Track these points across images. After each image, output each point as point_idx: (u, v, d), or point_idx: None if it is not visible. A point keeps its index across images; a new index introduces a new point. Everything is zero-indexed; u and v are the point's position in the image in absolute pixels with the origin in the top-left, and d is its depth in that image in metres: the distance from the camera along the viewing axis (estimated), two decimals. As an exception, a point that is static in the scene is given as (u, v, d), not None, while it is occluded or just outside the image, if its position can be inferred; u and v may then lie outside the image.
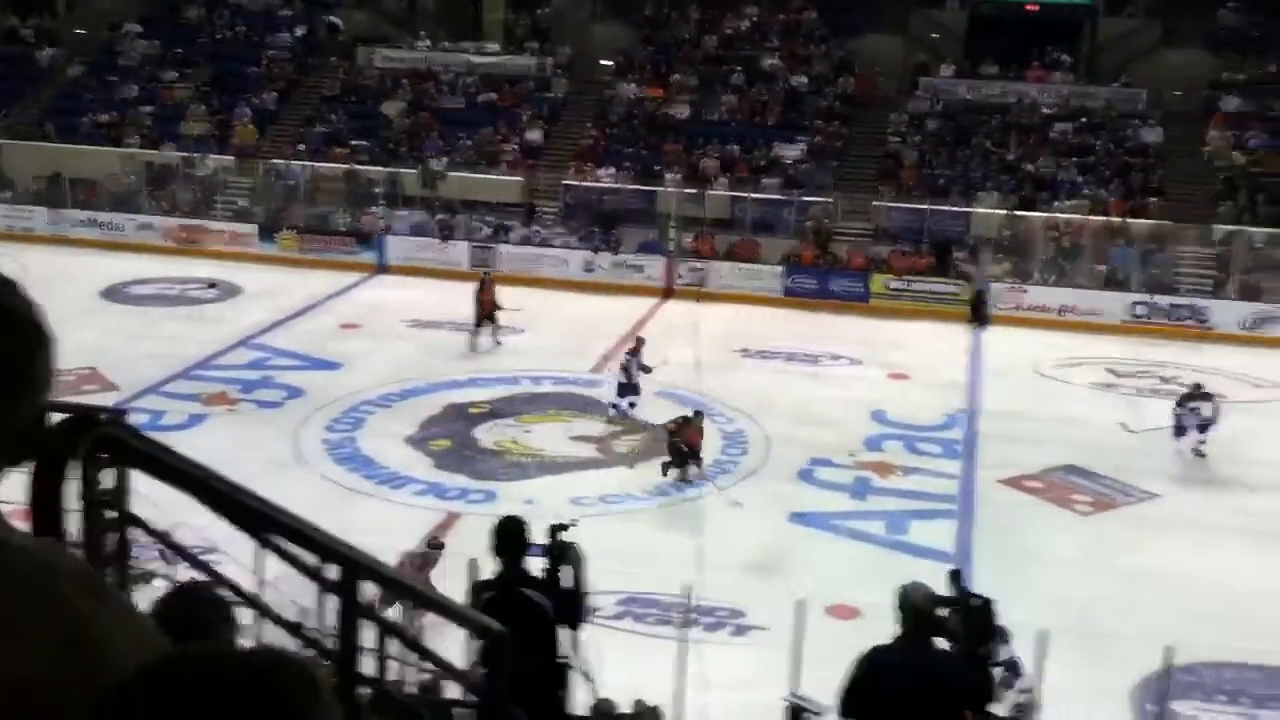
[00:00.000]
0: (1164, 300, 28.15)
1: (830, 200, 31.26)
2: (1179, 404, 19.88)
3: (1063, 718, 11.96)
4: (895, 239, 30.53)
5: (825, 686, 5.86)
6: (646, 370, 20.88)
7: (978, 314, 27.93)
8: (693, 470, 18.11)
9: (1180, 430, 19.74)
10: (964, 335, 26.96)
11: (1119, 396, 23.48)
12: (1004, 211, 30.23)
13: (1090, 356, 25.56)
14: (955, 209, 30.59)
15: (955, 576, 12.82)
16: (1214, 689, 13.24)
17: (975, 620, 5.53)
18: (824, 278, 29.45)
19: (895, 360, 24.57)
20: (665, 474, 18.12)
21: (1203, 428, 19.56)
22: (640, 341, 21.42)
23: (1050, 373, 24.50)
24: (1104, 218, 29.91)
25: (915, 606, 5.52)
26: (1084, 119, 32.79)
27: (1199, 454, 19.57)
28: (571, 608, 5.89)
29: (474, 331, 24.37)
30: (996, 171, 31.76)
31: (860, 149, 33.05)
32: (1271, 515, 17.84)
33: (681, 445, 18.06)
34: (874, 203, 31.12)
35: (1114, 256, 29.34)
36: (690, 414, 18.59)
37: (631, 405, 20.73)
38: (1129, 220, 29.82)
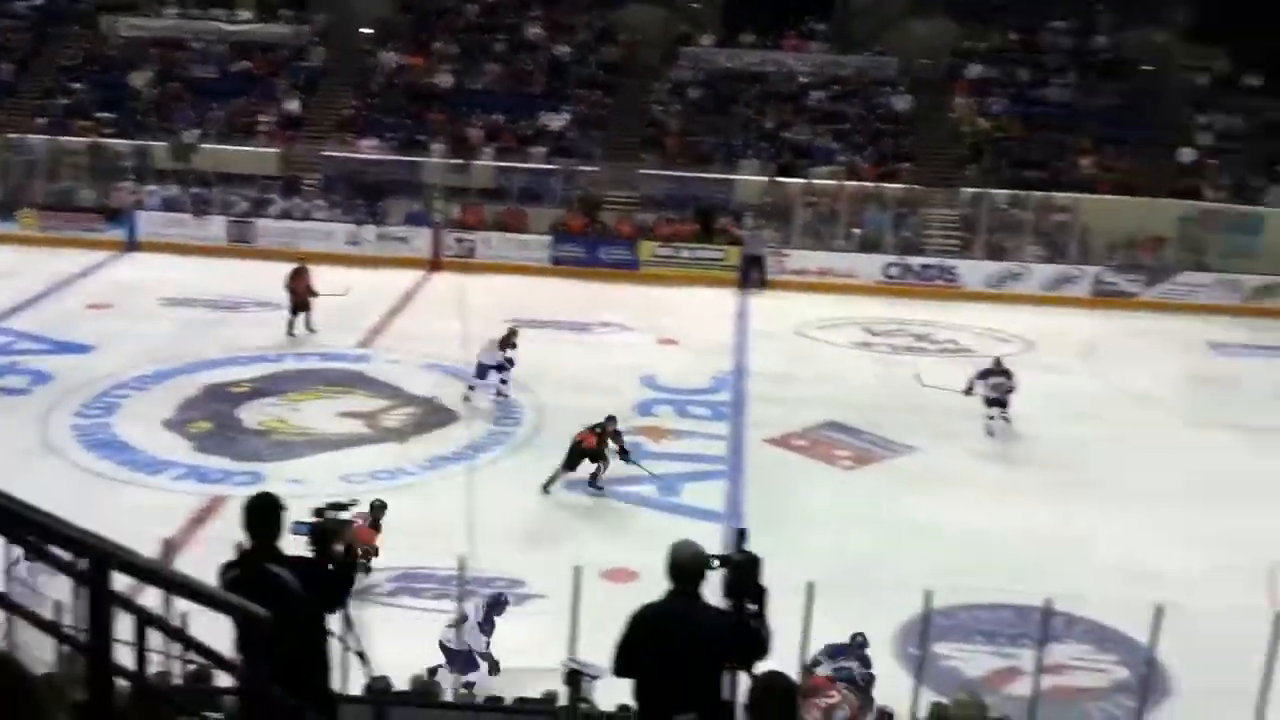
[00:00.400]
0: (916, 261, 29.35)
1: (597, 169, 31.41)
2: (979, 377, 20.00)
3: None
4: (661, 206, 30.90)
5: (604, 650, 5.91)
6: (510, 364, 20.33)
7: (748, 278, 28.62)
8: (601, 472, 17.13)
9: (990, 403, 19.75)
10: (730, 299, 27.56)
11: (876, 354, 24.41)
12: (764, 178, 30.93)
13: (848, 317, 26.48)
14: (718, 176, 31.13)
15: (740, 535, 13.13)
16: (971, 629, 13.94)
17: (742, 577, 5.65)
18: (593, 246, 29.62)
19: (664, 326, 24.93)
20: (568, 470, 17.12)
21: (1001, 402, 19.74)
22: (513, 333, 20.56)
23: (811, 334, 25.26)
24: (858, 183, 30.92)
25: (681, 564, 5.63)
26: (838, 87, 33.78)
27: (1006, 420, 19.82)
28: (335, 587, 5.78)
29: (290, 320, 23.38)
30: (756, 139, 32.45)
31: (625, 118, 33.29)
32: (1018, 462, 18.86)
33: (602, 450, 17.05)
34: (639, 171, 31.41)
35: (868, 220, 30.40)
36: (603, 420, 17.46)
37: (503, 382, 20.24)
38: (882, 185, 30.91)
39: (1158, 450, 19.44)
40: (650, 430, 19.51)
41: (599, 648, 7.64)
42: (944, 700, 12.33)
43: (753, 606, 5.65)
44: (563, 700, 10.09)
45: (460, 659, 12.24)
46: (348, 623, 7.17)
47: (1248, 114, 32.54)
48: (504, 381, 20.33)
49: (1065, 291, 28.85)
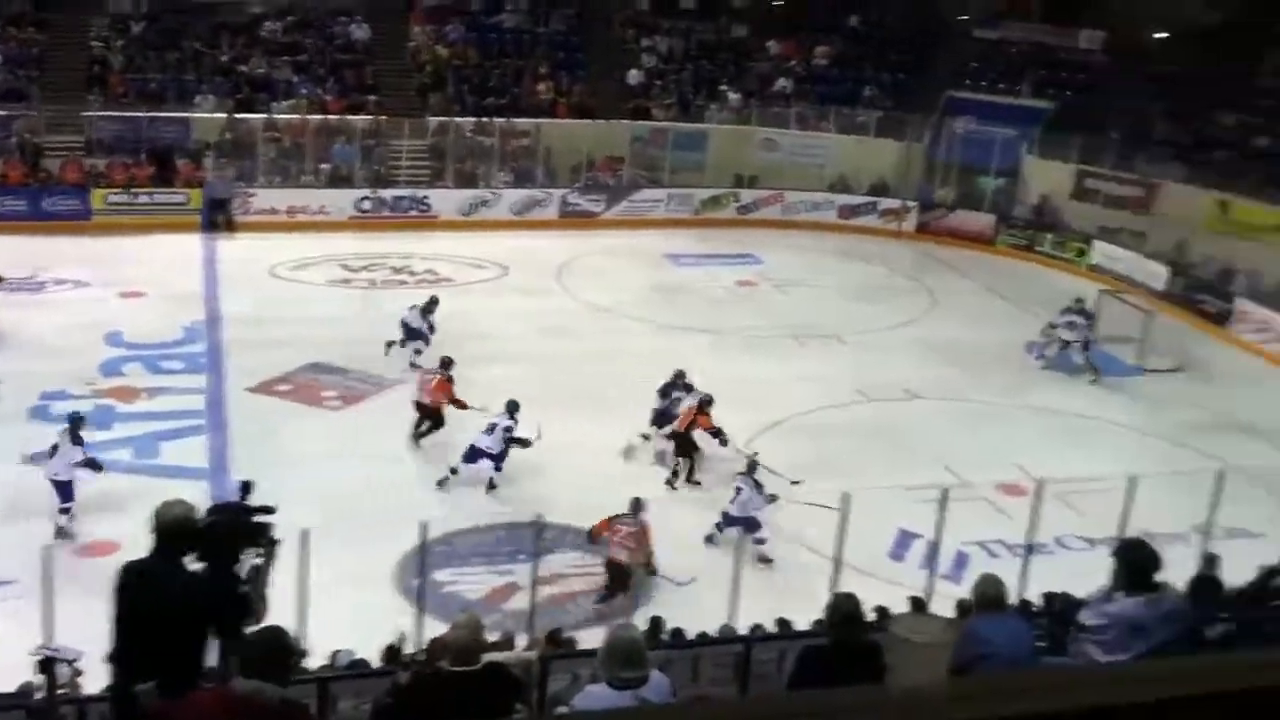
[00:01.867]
0: (388, 193, 29.20)
1: (33, 113, 28.82)
2: (661, 395, 17.80)
3: (335, 608, 12.26)
4: (112, 150, 28.84)
5: (86, 633, 5.51)
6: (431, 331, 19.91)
7: (213, 222, 27.37)
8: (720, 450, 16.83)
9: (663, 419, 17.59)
10: (197, 245, 26.30)
11: (356, 290, 24.20)
12: (223, 115, 29.61)
13: (323, 254, 26.00)
14: (173, 115, 29.45)
15: (244, 488, 12.60)
16: (469, 553, 14.23)
17: (224, 537, 5.45)
18: (36, 197, 27.21)
19: (127, 277, 23.42)
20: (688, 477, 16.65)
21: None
22: (434, 301, 20.35)
23: (286, 275, 24.62)
24: (322, 116, 30.27)
25: (162, 524, 5.41)
26: (292, 17, 32.79)
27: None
28: None
29: None
30: (210, 74, 30.95)
31: (61, 56, 30.68)
32: (501, 383, 19.24)
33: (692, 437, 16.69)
34: (83, 113, 29.14)
35: (336, 154, 29.86)
36: (705, 397, 16.97)
37: (418, 352, 19.68)
38: (347, 117, 30.42)
39: (632, 359, 20.53)
40: (120, 391, 18.34)
41: (81, 630, 7.14)
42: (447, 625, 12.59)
43: (254, 563, 5.49)
44: (40, 691, 9.37)
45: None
46: None
47: (685, 36, 34.73)
48: (418, 352, 19.64)
49: (534, 215, 29.76)
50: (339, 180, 29.48)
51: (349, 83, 31.66)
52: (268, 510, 5.92)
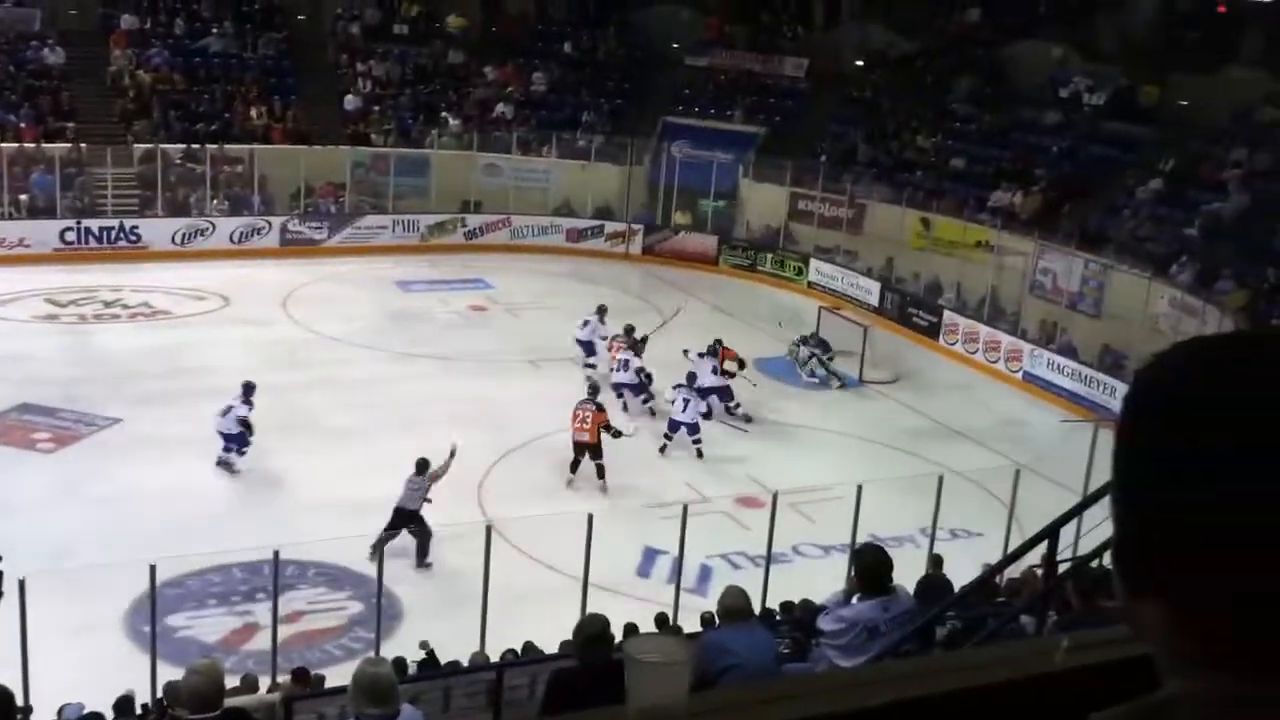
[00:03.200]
0: (94, 224, 27.72)
1: None
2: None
3: (60, 660, 11.55)
4: None
5: None
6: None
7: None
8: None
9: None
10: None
11: (64, 326, 22.93)
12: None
13: (26, 289, 24.47)
14: None
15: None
16: (204, 595, 13.62)
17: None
18: None
19: None
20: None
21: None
22: (602, 310, 22.39)
23: (-14, 311, 23.11)
24: (18, 144, 28.51)
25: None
26: (-23, 41, 30.82)
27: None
28: None
29: None
30: (-112, 101, 28.75)
31: None
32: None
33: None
34: None
35: (34, 184, 28.13)
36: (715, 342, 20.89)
37: (591, 366, 21.32)
38: (44, 146, 28.72)
39: (364, 387, 20.13)
40: None
41: None
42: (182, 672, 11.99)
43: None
44: None
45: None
46: None
47: (401, 62, 34.34)
48: (592, 366, 21.38)
49: (254, 243, 28.78)
50: (39, 211, 27.77)
51: (44, 109, 29.91)
52: (-10, 561, 5.49)
